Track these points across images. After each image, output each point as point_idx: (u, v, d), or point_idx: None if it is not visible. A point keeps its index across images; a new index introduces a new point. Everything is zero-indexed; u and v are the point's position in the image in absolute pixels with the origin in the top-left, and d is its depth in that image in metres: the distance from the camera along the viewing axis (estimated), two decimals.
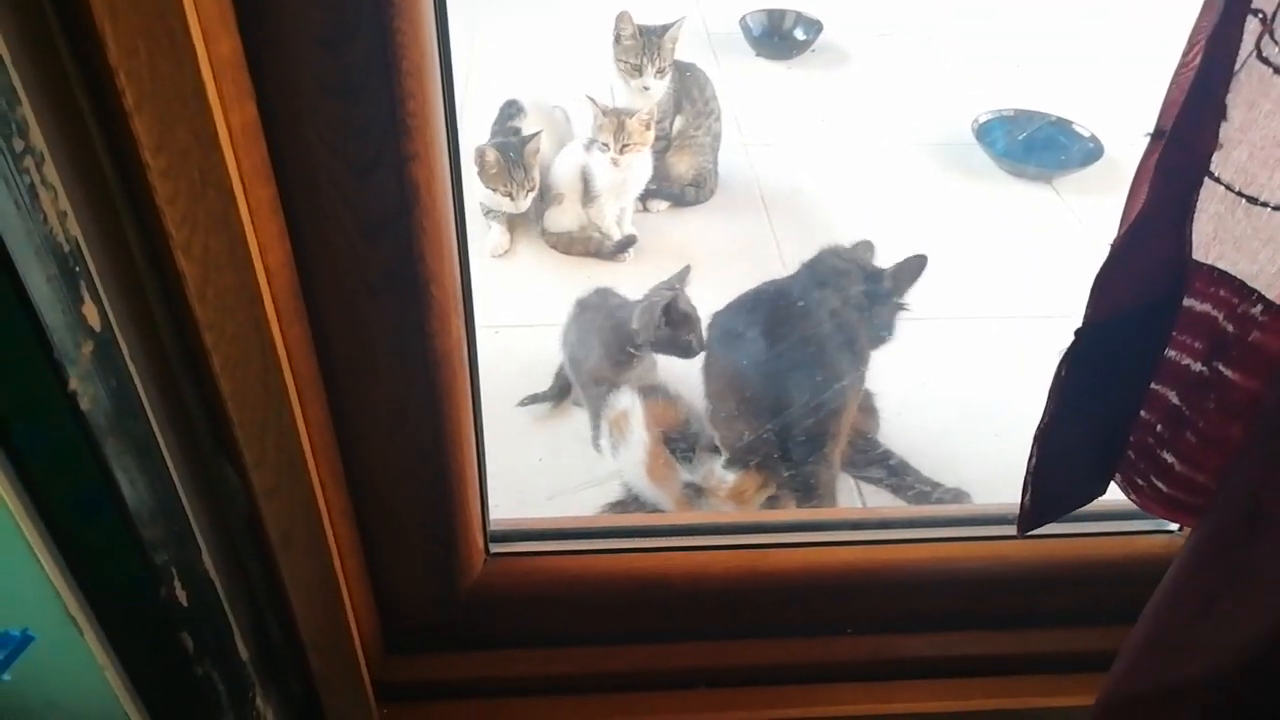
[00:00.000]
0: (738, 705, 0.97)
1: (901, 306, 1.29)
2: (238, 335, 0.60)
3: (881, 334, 1.33)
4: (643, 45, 1.94)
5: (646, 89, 1.96)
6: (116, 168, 0.53)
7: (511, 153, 1.85)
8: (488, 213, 1.93)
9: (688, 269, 1.57)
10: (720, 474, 1.28)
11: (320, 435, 0.74)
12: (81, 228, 0.47)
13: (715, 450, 1.38)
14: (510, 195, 1.85)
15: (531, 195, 1.88)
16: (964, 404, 1.62)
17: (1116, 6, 3.06)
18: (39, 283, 0.41)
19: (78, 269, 0.44)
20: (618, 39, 1.96)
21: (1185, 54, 0.49)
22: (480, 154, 1.83)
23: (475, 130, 2.02)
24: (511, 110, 2.00)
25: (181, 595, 0.55)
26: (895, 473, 1.32)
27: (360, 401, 0.76)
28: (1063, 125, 2.31)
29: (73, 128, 0.49)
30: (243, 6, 0.55)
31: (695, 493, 1.31)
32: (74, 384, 0.43)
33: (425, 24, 0.59)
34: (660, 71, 1.96)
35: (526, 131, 1.91)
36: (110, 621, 0.52)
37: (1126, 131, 2.34)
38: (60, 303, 0.43)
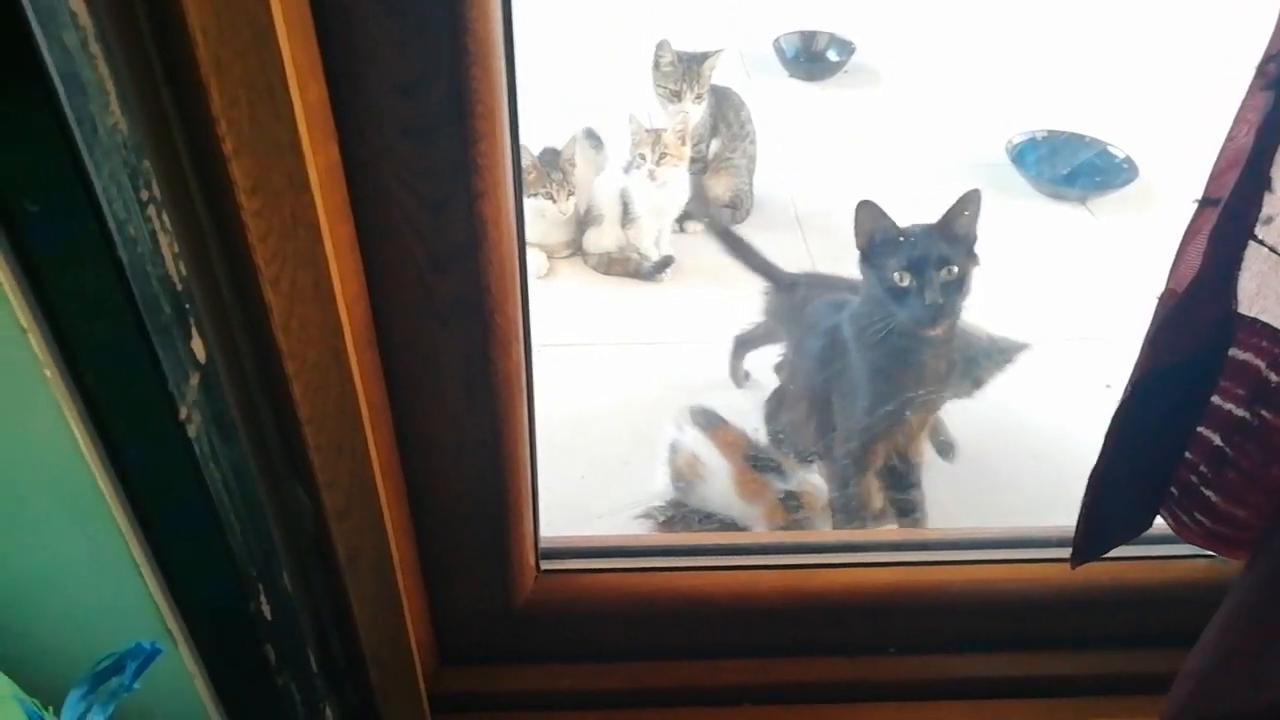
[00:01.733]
0: None
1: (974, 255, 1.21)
2: (319, 364, 0.63)
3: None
4: (682, 72, 1.99)
5: (685, 113, 2.00)
6: (209, 208, 0.57)
7: (547, 156, 1.89)
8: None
9: None
10: (814, 480, 1.28)
11: (387, 457, 0.77)
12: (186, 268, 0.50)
13: (804, 460, 1.39)
14: (551, 197, 1.89)
15: (572, 199, 1.92)
16: (1001, 426, 1.63)
17: (1147, 26, 3.06)
18: (157, 321, 0.44)
19: (188, 306, 0.47)
20: (657, 65, 2.01)
21: (1231, 131, 0.52)
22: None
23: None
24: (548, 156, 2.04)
25: (267, 609, 0.58)
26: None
27: (424, 425, 0.79)
28: (1097, 146, 2.31)
29: (174, 173, 0.53)
30: (330, 55, 0.58)
31: (793, 501, 1.32)
32: (184, 413, 0.46)
33: (498, 69, 0.63)
34: (699, 97, 2.00)
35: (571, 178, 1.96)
36: (202, 634, 0.56)
37: (1160, 152, 2.35)
38: (174, 338, 0.46)
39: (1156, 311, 0.62)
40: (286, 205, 0.56)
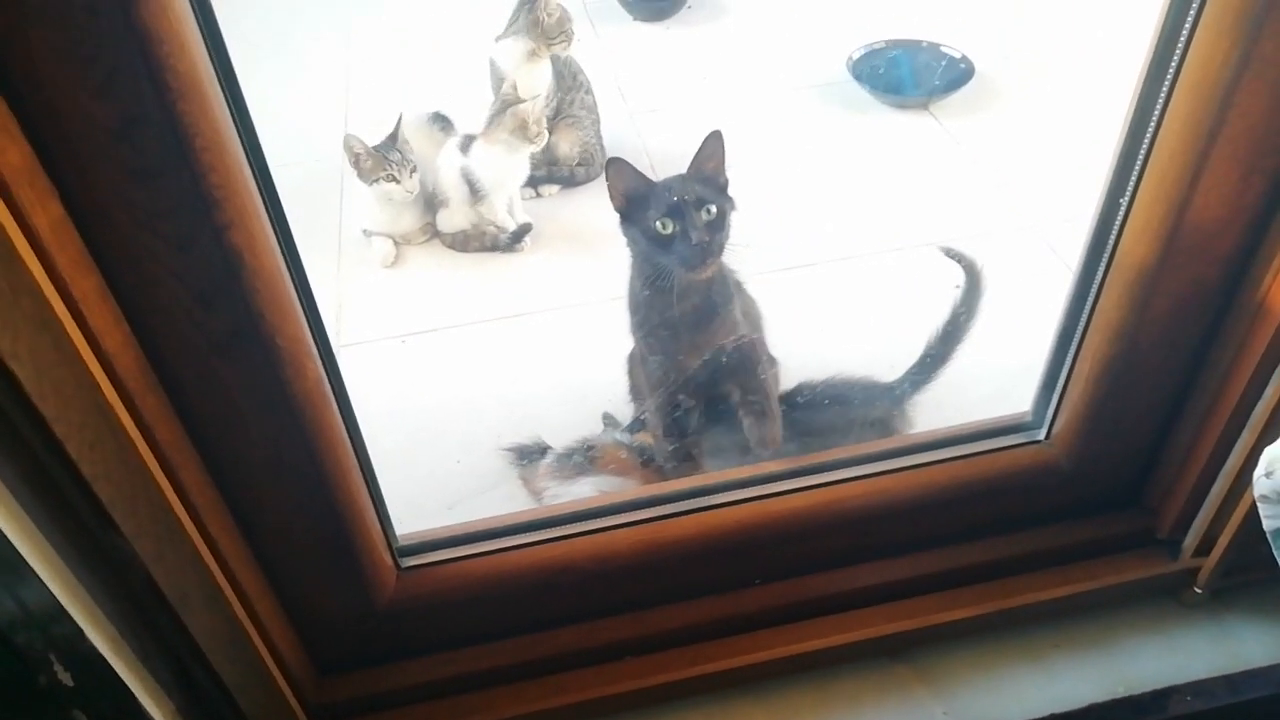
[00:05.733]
0: (665, 668, 1.02)
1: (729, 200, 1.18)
2: (85, 423, 0.63)
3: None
4: (559, 18, 1.95)
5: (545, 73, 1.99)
6: None
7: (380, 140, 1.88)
8: (369, 233, 1.95)
9: None
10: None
11: (203, 494, 0.77)
12: None
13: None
14: (394, 178, 1.86)
15: (416, 176, 1.89)
16: (867, 341, 1.68)
17: None
18: None
19: None
20: (539, 21, 1.95)
21: None
22: (348, 147, 1.84)
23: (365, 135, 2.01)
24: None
25: (65, 677, 0.58)
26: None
27: (235, 456, 0.79)
28: (933, 49, 2.36)
29: None
30: (24, 114, 0.57)
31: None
32: None
33: (212, 100, 0.62)
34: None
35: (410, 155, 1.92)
36: None
37: (994, 47, 2.40)
38: None
39: None
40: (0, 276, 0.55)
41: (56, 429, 0.62)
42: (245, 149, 0.66)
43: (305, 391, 0.77)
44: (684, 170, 1.19)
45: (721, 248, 1.13)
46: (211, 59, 0.62)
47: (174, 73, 0.58)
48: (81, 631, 0.62)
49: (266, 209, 0.69)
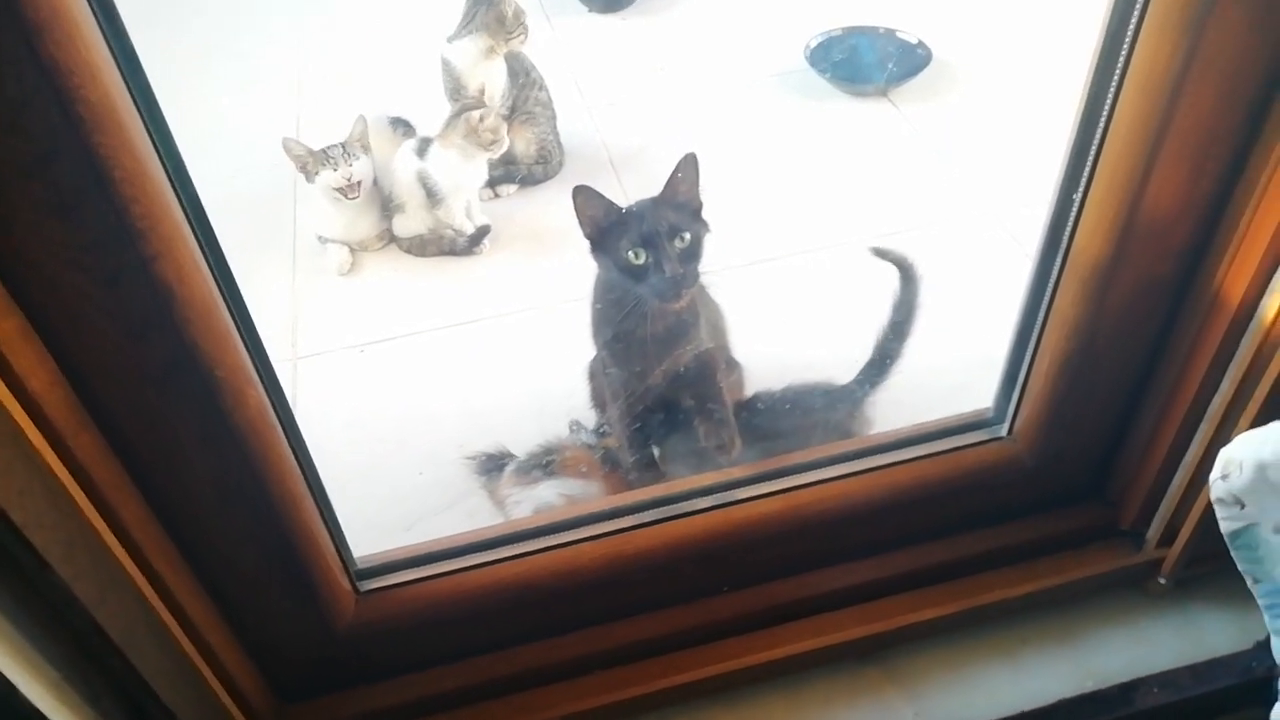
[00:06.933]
0: (635, 681, 1.01)
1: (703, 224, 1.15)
2: (10, 470, 0.60)
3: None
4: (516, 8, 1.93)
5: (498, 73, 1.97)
6: None
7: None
8: (324, 240, 1.92)
9: None
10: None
11: (145, 531, 0.75)
12: None
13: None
14: (333, 167, 1.83)
15: (357, 163, 1.85)
16: (831, 336, 1.67)
17: None
18: None
19: None
20: (502, 21, 1.93)
21: None
22: (287, 149, 1.82)
23: (318, 139, 1.97)
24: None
25: None
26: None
27: (179, 489, 0.76)
28: (890, 35, 2.35)
29: None
30: None
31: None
32: None
33: (130, 130, 0.59)
34: None
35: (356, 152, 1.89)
36: None
37: (950, 31, 2.40)
38: None
39: None
40: None
41: None
42: (170, 176, 0.64)
43: (248, 420, 0.75)
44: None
45: (696, 277, 1.10)
46: (128, 86, 0.59)
47: (86, 104, 0.56)
48: (14, 688, 0.60)
49: (196, 237, 0.67)
